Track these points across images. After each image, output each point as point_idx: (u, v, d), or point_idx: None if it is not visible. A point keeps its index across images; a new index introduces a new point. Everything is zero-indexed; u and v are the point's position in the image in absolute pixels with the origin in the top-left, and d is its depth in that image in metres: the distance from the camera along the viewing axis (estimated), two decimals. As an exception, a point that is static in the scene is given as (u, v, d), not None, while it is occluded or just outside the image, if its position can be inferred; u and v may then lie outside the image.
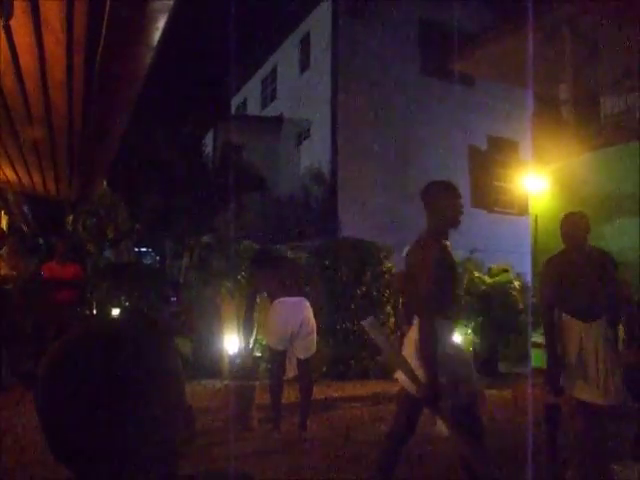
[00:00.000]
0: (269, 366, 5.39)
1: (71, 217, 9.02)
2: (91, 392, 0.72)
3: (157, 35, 2.97)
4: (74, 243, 8.63)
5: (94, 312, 8.91)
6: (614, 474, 2.73)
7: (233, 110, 20.48)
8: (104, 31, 2.31)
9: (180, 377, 0.81)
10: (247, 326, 5.37)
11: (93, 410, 0.72)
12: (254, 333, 5.72)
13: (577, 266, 3.79)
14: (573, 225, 3.88)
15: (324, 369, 8.30)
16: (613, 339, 3.75)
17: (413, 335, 2.93)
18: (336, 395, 7.15)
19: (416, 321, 2.93)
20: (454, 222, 3.05)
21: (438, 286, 2.82)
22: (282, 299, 5.09)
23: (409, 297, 3.09)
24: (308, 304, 5.14)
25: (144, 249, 13.69)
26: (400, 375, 2.96)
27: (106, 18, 2.21)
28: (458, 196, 3.09)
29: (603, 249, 3.87)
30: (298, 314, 5.05)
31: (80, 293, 7.70)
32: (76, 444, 0.73)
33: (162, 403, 0.76)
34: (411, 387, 2.88)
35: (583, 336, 3.69)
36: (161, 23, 2.88)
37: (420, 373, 2.80)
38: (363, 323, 3.02)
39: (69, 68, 2.72)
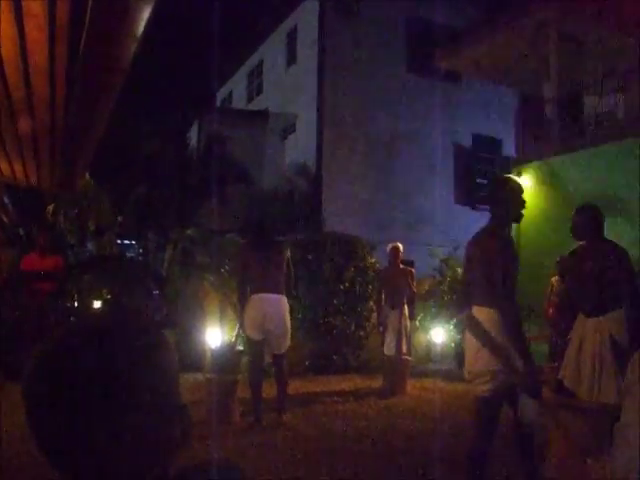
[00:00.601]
0: (249, 358, 5.40)
1: (52, 208, 8.91)
2: (80, 390, 0.69)
3: (142, 26, 2.93)
4: (55, 234, 8.54)
5: (75, 304, 8.83)
6: (589, 468, 2.78)
7: (218, 103, 20.37)
8: (88, 19, 2.29)
9: (173, 374, 0.78)
10: (241, 307, 5.34)
11: (81, 409, 0.69)
12: (237, 327, 5.72)
13: (582, 261, 3.83)
14: (580, 219, 3.91)
15: (306, 363, 8.32)
16: (624, 335, 3.67)
17: (481, 318, 3.02)
18: (318, 389, 7.16)
19: (478, 309, 3.03)
20: (517, 216, 3.21)
21: (509, 275, 2.96)
22: (262, 295, 5.13)
23: (468, 285, 3.17)
24: (285, 301, 5.22)
25: (127, 241, 13.56)
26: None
27: (90, 5, 2.18)
28: (522, 192, 3.23)
29: (616, 243, 3.85)
30: (276, 313, 5.14)
31: (60, 285, 7.63)
32: (64, 443, 0.70)
33: (153, 402, 0.73)
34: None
35: (582, 331, 3.73)
36: (146, 14, 2.84)
37: (492, 360, 2.91)
38: (459, 317, 3.20)
39: (51, 55, 2.68)
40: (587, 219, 3.89)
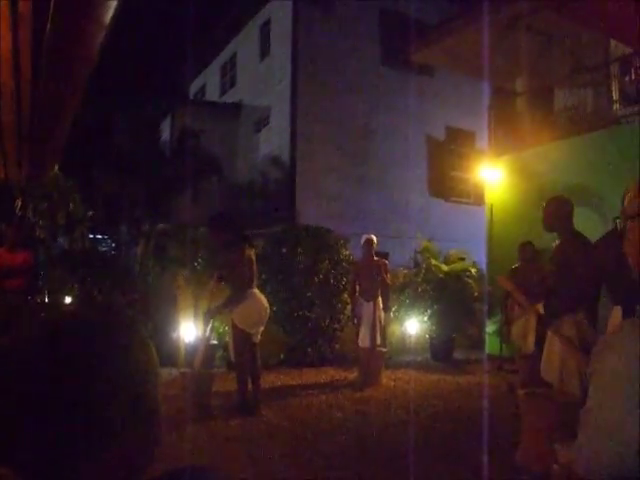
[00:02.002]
0: (243, 351, 5.38)
1: (20, 202, 8.74)
2: (32, 392, 0.65)
3: (109, 13, 2.88)
4: (24, 229, 8.37)
5: (46, 300, 8.69)
6: (556, 453, 2.84)
7: (191, 96, 20.16)
8: (52, 6, 2.23)
9: (142, 377, 0.72)
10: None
11: (33, 412, 0.64)
12: (210, 322, 5.69)
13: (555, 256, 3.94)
14: (548, 211, 3.93)
15: (281, 356, 8.31)
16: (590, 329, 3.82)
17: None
18: (293, 382, 7.17)
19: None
20: None
21: None
22: (254, 289, 5.38)
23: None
24: None
25: (100, 236, 13.41)
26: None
27: (54, -7, 2.13)
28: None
29: (584, 239, 3.91)
30: (265, 303, 5.44)
31: (30, 280, 7.48)
32: (14, 449, 0.65)
33: (118, 406, 0.68)
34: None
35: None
36: (113, 2, 2.79)
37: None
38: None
39: (14, 44, 2.62)
40: (555, 211, 3.92)
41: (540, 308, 5.01)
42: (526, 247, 6.71)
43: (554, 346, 3.82)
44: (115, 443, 0.68)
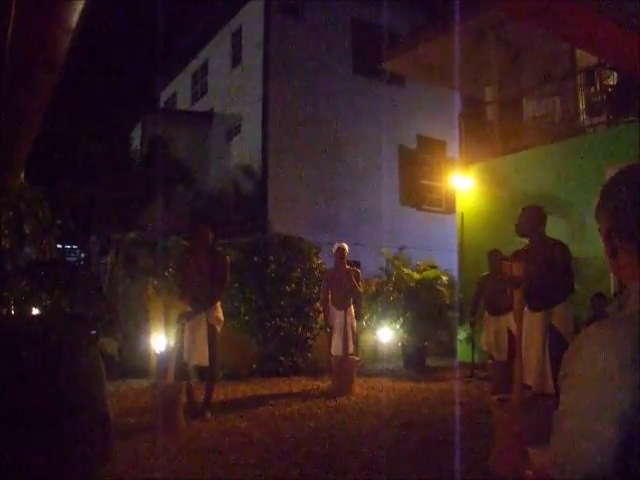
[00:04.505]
0: (215, 355, 5.53)
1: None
2: None
3: (75, 18, 2.82)
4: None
5: (12, 312, 8.48)
6: (529, 457, 2.85)
7: (162, 104, 19.99)
8: (13, 11, 2.17)
9: (94, 384, 0.69)
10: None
11: None
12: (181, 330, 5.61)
13: (528, 258, 4.03)
14: (526, 218, 4.18)
15: (253, 366, 8.25)
16: (567, 328, 3.93)
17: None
18: (266, 392, 7.10)
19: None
20: None
21: None
22: None
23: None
24: None
25: (68, 246, 13.16)
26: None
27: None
28: None
29: (559, 240, 4.08)
30: None
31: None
32: None
33: (73, 415, 0.64)
34: None
35: (529, 326, 3.90)
36: (79, 5, 2.74)
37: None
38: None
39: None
40: (532, 218, 4.10)
41: (510, 318, 5.10)
42: (494, 255, 6.64)
43: (530, 350, 3.88)
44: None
